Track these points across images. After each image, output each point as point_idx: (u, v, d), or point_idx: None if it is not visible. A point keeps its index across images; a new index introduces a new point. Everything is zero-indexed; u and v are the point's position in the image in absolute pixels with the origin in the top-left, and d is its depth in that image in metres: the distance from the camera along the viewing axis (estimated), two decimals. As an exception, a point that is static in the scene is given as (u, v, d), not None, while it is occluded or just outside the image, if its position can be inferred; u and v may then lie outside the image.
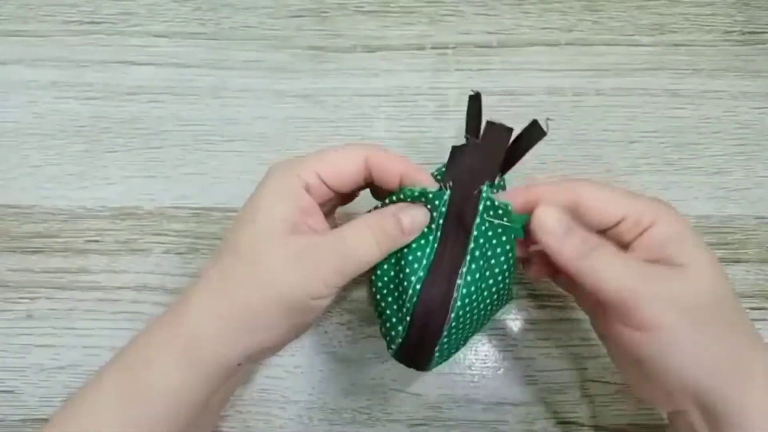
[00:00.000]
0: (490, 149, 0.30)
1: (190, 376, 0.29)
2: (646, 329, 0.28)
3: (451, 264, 0.30)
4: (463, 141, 0.32)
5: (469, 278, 0.30)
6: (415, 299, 0.29)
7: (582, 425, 0.39)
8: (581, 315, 0.40)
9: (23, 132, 0.45)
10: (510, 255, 0.31)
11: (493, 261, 0.30)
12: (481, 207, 0.30)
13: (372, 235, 0.29)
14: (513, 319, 0.41)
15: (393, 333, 0.31)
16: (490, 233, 0.30)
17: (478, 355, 0.40)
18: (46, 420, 0.38)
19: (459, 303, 0.29)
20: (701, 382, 0.28)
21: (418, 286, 0.29)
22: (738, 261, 0.42)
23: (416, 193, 0.30)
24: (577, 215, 0.30)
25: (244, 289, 0.29)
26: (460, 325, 0.31)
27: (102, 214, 0.43)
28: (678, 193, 0.43)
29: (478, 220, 0.30)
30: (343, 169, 0.31)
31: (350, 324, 0.41)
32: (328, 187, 0.31)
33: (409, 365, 0.32)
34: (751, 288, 0.41)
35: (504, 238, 0.30)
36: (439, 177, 0.32)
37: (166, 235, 0.42)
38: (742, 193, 0.44)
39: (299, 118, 0.45)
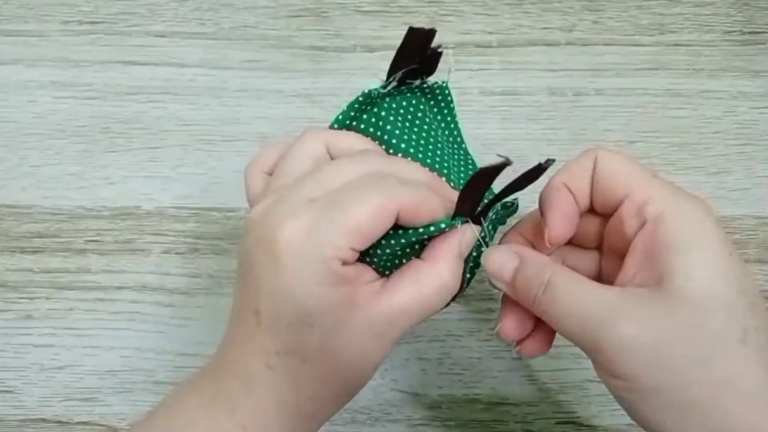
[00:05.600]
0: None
1: None
2: (621, 378, 0.24)
3: None
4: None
5: None
6: None
7: (581, 425, 0.39)
8: (581, 315, 0.40)
9: (23, 132, 0.45)
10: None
11: None
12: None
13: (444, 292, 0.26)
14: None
15: None
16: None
17: (478, 355, 0.40)
18: (45, 420, 0.38)
19: None
20: None
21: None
22: (738, 261, 0.42)
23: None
24: (594, 188, 0.27)
25: (318, 387, 0.26)
26: None
27: (102, 214, 0.43)
28: (678, 193, 0.43)
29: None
30: (377, 232, 0.25)
31: (350, 324, 0.41)
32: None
33: None
34: (751, 288, 0.41)
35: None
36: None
37: (166, 235, 0.42)
38: (742, 193, 0.44)
39: (299, 118, 0.45)
